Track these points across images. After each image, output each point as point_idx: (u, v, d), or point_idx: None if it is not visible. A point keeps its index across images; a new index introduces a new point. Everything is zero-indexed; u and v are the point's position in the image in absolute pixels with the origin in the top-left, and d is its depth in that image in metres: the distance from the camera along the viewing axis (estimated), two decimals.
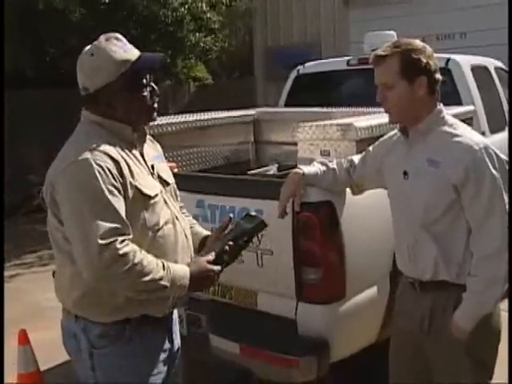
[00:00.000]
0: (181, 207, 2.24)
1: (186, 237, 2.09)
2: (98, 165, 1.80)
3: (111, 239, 1.75)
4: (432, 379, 2.23)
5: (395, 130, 2.32)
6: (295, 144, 3.21)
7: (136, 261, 1.77)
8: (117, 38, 1.95)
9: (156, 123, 3.65)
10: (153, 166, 2.05)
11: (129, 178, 1.87)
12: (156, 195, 1.96)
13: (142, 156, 2.02)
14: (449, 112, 2.20)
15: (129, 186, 1.86)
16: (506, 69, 5.96)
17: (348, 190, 2.57)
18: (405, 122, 2.17)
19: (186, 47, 9.86)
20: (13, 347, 3.26)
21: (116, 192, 1.81)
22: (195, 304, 2.87)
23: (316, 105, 4.77)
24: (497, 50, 7.24)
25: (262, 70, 12.85)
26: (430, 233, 2.11)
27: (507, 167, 2.07)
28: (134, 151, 1.98)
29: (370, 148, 2.44)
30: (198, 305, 2.95)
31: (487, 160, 2.01)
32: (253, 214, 2.20)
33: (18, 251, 6.83)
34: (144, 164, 2.00)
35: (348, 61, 5.17)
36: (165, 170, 2.15)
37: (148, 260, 1.81)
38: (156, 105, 2.02)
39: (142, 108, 1.98)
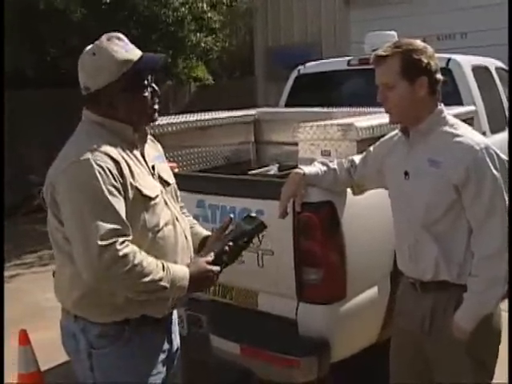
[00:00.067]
0: (181, 207, 2.24)
1: (186, 238, 2.09)
2: (98, 165, 1.79)
3: (111, 240, 1.74)
4: (433, 379, 2.23)
5: (396, 131, 2.32)
6: (296, 144, 3.21)
7: (136, 262, 1.77)
8: (118, 38, 1.95)
9: (157, 123, 3.65)
10: (153, 167, 2.05)
11: (129, 179, 1.86)
12: (156, 196, 1.95)
13: (143, 156, 2.02)
14: (450, 112, 2.20)
15: (129, 187, 1.86)
16: (507, 69, 5.96)
17: (349, 190, 2.57)
18: (405, 122, 2.16)
19: (187, 47, 9.86)
20: (13, 347, 3.26)
21: (116, 193, 1.81)
22: (196, 304, 2.87)
23: (317, 105, 4.76)
24: (497, 50, 7.24)
25: (262, 69, 12.85)
26: (431, 233, 2.11)
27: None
28: (135, 151, 1.98)
29: (371, 148, 2.44)
30: (199, 305, 2.95)
31: (488, 160, 2.00)
32: (253, 215, 2.21)
33: (18, 251, 6.83)
34: (145, 164, 2.00)
35: (349, 61, 5.17)
36: (165, 170, 2.14)
37: (148, 261, 1.81)
38: (157, 106, 2.02)
39: (143, 108, 1.97)
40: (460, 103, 4.35)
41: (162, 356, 2.05)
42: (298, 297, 2.73)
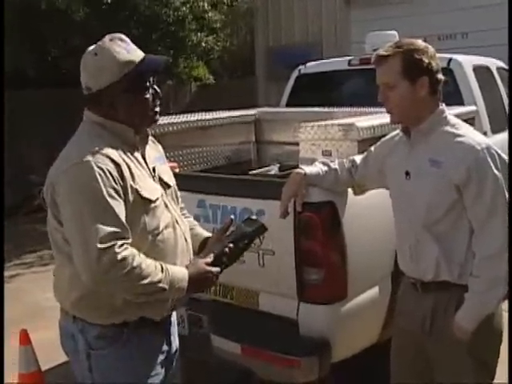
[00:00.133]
0: (181, 208, 2.23)
1: (186, 240, 2.08)
2: (99, 167, 1.79)
3: (110, 243, 1.74)
4: (434, 379, 2.22)
5: (397, 130, 2.31)
6: (297, 144, 3.21)
7: (135, 264, 1.77)
8: (121, 39, 1.95)
9: (157, 123, 3.65)
10: (154, 169, 2.04)
11: (130, 182, 1.86)
12: (157, 199, 1.95)
13: (144, 158, 2.01)
14: (451, 112, 2.20)
15: (129, 190, 1.85)
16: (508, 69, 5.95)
17: (350, 190, 2.57)
18: (407, 122, 2.16)
19: (188, 47, 9.88)
20: (13, 347, 3.27)
21: (116, 195, 1.80)
22: (196, 304, 2.86)
23: (317, 105, 4.76)
24: (498, 50, 7.23)
25: (263, 69, 12.83)
26: (432, 233, 2.10)
27: None
28: (136, 153, 1.98)
29: (372, 148, 2.44)
30: (200, 305, 2.95)
31: (489, 160, 2.00)
32: (254, 217, 2.24)
33: (19, 251, 6.83)
34: (145, 167, 1.99)
35: (349, 61, 5.17)
36: (166, 172, 2.14)
37: (147, 263, 1.81)
38: (158, 108, 2.01)
39: (144, 110, 1.97)
40: (461, 103, 4.34)
41: (161, 357, 2.04)
42: (298, 297, 2.72)
